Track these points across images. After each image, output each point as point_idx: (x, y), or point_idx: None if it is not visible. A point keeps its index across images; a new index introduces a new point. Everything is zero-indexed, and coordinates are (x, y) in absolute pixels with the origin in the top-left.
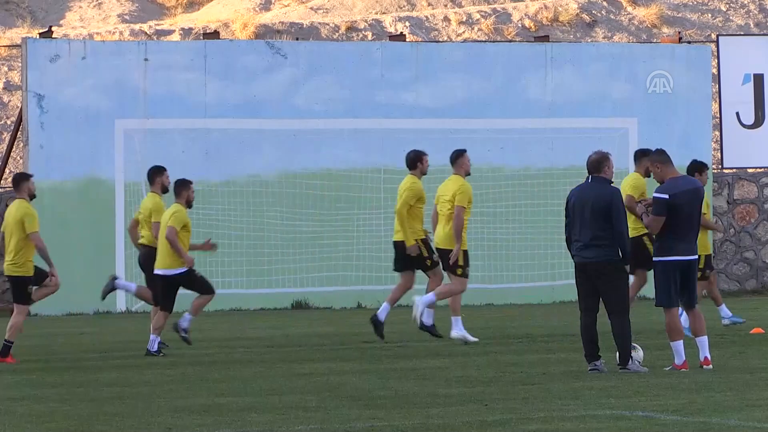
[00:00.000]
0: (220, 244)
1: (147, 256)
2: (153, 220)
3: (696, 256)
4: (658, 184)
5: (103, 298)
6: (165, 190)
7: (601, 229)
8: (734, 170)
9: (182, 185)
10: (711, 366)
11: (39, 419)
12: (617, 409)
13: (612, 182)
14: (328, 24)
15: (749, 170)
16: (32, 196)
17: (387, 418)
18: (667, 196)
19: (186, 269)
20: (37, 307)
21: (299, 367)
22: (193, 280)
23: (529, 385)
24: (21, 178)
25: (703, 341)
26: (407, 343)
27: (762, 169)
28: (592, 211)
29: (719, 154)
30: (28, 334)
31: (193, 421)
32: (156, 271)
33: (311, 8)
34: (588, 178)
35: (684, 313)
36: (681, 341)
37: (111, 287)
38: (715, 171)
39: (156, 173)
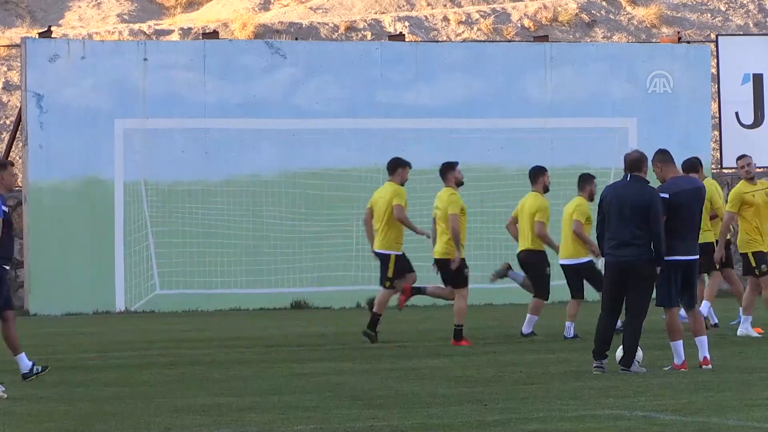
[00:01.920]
0: (219, 243)
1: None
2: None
3: (697, 257)
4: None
5: (493, 281)
6: (460, 184)
7: (638, 228)
8: (733, 170)
9: (585, 180)
10: (710, 366)
11: (39, 419)
12: (617, 409)
13: (649, 182)
14: (327, 24)
15: None
16: (459, 184)
17: (387, 418)
18: (667, 196)
19: (590, 259)
20: (37, 307)
21: (299, 367)
22: (593, 273)
23: (528, 385)
24: (447, 168)
25: (703, 341)
26: (407, 343)
27: (762, 169)
28: (632, 210)
29: (718, 154)
30: (27, 333)
31: (192, 421)
32: (561, 261)
33: (310, 8)
34: (626, 176)
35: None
36: (681, 341)
37: (503, 274)
38: (715, 171)
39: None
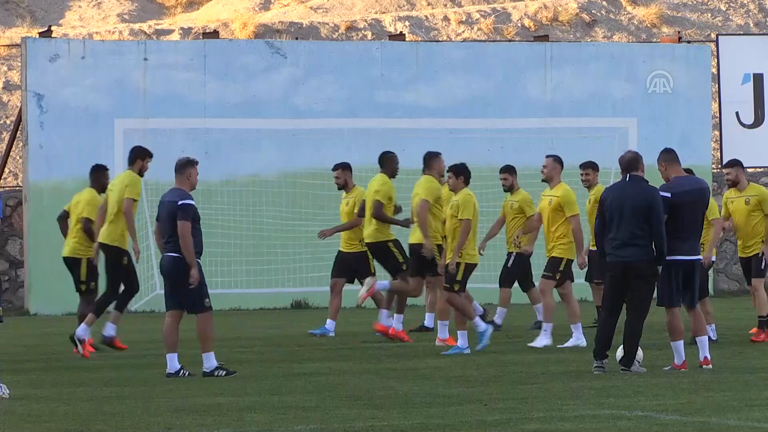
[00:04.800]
0: (219, 243)
1: None
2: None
3: (699, 257)
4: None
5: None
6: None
7: (639, 228)
8: None
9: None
10: (710, 366)
11: (39, 419)
12: (617, 409)
13: (648, 182)
14: (327, 24)
15: (749, 170)
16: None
17: (387, 418)
18: (669, 195)
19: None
20: (37, 307)
21: (299, 367)
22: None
23: (529, 385)
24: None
25: (703, 341)
26: (407, 343)
27: (762, 169)
28: (633, 210)
29: (719, 154)
30: (27, 333)
31: (193, 421)
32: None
33: (311, 8)
34: (625, 177)
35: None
36: (681, 341)
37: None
38: (715, 171)
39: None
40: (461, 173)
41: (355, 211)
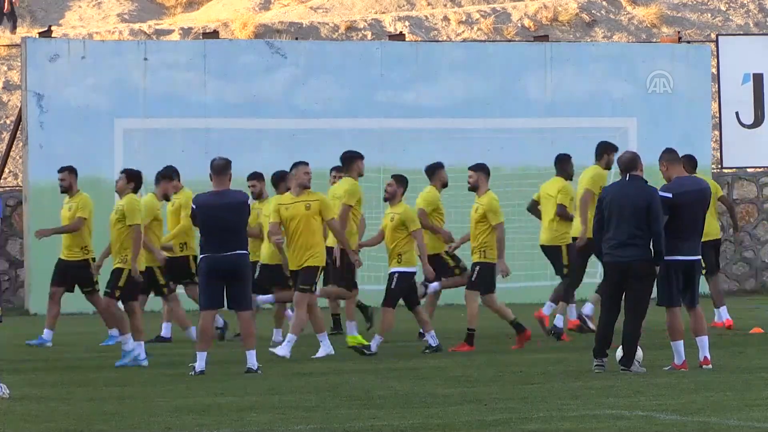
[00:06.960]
0: None
1: None
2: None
3: (699, 257)
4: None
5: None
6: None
7: (638, 228)
8: (734, 170)
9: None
10: (710, 366)
11: (39, 419)
12: (617, 409)
13: (647, 181)
14: (327, 24)
15: (749, 170)
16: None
17: (387, 417)
18: (670, 195)
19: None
20: (37, 307)
21: (299, 367)
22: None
23: (528, 385)
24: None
25: (703, 341)
26: (407, 343)
27: (761, 169)
28: (632, 210)
29: (719, 154)
30: (27, 333)
31: (192, 421)
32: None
33: (311, 8)
34: (625, 177)
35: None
36: (681, 341)
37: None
38: (715, 171)
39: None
40: (132, 179)
41: None
